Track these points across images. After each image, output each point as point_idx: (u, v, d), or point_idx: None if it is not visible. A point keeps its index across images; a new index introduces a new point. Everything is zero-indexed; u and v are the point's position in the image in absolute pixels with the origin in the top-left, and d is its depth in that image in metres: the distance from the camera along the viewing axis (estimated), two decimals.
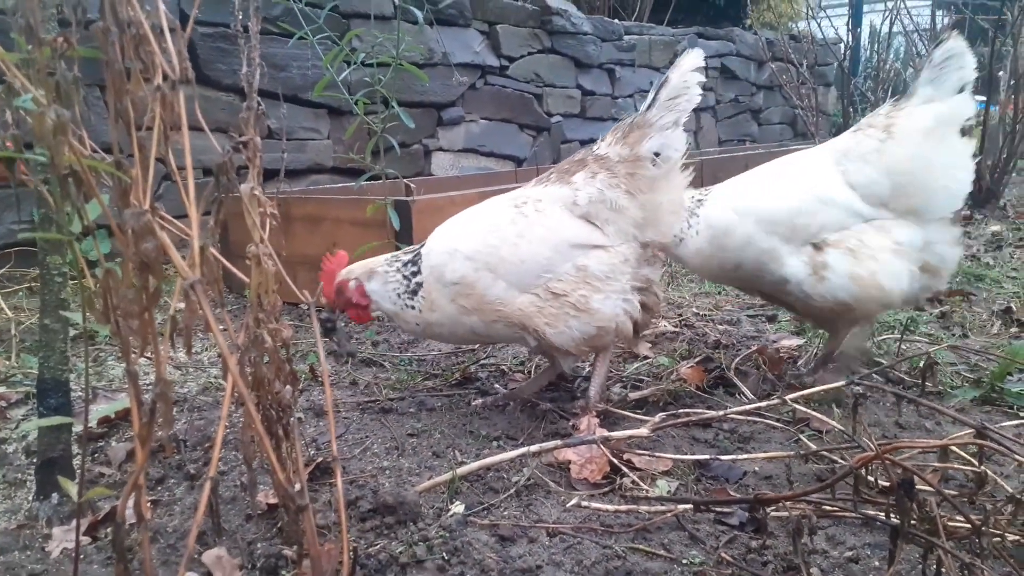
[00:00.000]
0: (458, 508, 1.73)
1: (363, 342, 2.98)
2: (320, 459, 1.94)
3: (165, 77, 1.27)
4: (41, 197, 1.67)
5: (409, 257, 2.27)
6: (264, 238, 1.47)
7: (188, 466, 2.00)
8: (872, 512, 1.42)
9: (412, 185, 3.58)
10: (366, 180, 3.51)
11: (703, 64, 2.17)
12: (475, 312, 2.15)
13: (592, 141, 7.95)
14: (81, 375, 2.53)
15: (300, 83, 5.18)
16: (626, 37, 7.88)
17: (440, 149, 6.35)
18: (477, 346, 2.92)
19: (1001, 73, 8.03)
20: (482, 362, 2.76)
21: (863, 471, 1.37)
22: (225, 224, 1.49)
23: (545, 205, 2.18)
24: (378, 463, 1.99)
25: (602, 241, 2.13)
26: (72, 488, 1.28)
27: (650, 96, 2.21)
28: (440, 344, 2.97)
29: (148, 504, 1.86)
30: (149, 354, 2.18)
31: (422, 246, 2.27)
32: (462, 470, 1.80)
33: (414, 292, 2.21)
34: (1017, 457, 1.55)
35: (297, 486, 1.34)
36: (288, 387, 1.61)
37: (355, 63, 3.12)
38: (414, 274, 2.22)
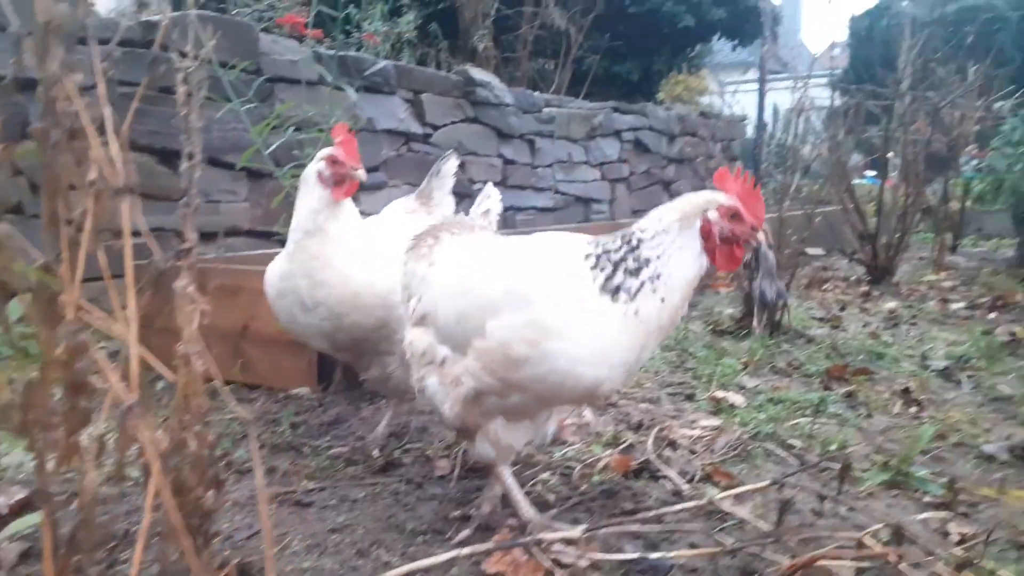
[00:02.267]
0: None
1: (280, 423, 2.87)
2: (237, 559, 1.83)
3: (101, 176, 1.23)
4: None
5: None
6: (194, 336, 1.42)
7: (89, 569, 1.85)
8: None
9: None
10: None
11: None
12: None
13: (513, 209, 8.07)
14: None
15: (219, 145, 5.08)
16: (546, 109, 8.11)
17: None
18: (409, 428, 2.87)
19: (891, 154, 8.68)
20: (407, 447, 2.70)
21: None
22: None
23: None
24: (298, 563, 1.90)
25: None
26: None
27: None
28: (362, 427, 2.89)
29: None
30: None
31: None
32: (389, 574, 1.74)
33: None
34: (932, 553, 1.63)
35: None
36: (212, 492, 1.54)
37: (283, 136, 3.10)
38: None
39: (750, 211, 1.80)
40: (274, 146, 3.18)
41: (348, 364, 2.69)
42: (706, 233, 1.80)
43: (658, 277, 1.76)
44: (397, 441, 2.74)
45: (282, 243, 3.32)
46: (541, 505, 2.22)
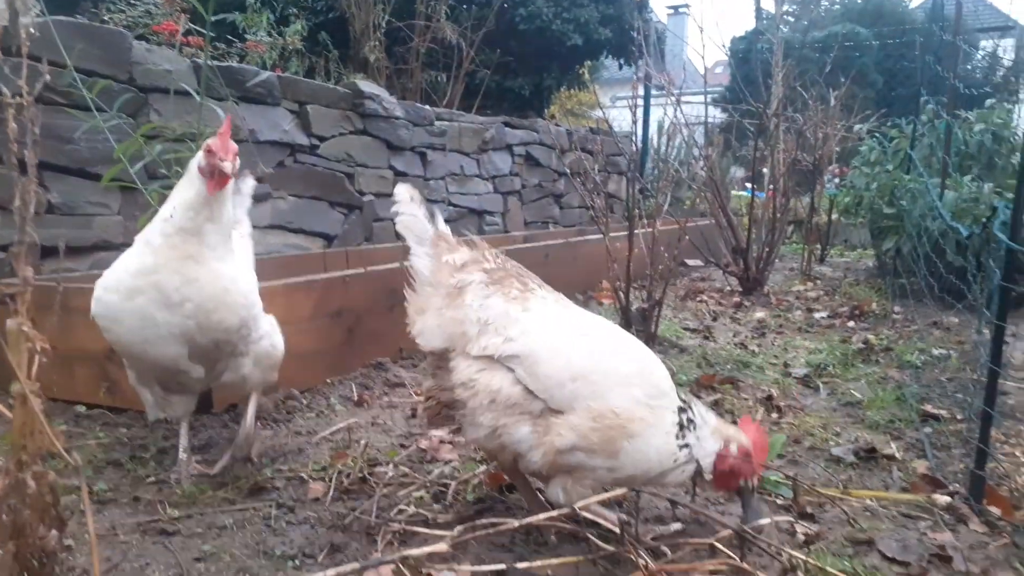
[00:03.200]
0: None
1: (147, 449, 2.77)
2: None
3: None
4: None
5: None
6: (31, 375, 1.38)
7: None
8: None
9: None
10: None
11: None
12: None
13: None
14: None
15: (88, 156, 4.84)
16: (437, 123, 8.15)
17: None
18: (284, 450, 2.84)
19: (764, 170, 9.19)
20: (279, 468, 2.66)
21: None
22: None
23: None
24: None
25: None
26: None
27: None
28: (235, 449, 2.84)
29: None
30: None
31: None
32: None
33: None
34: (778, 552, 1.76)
35: None
36: (54, 532, 1.50)
37: (152, 153, 3.00)
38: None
39: (759, 455, 2.21)
40: (143, 161, 3.06)
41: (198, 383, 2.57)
42: (722, 458, 2.16)
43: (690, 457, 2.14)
44: (271, 463, 2.71)
45: None
46: (419, 523, 2.26)
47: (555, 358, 2.12)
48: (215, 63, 5.84)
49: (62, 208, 4.76)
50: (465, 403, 2.16)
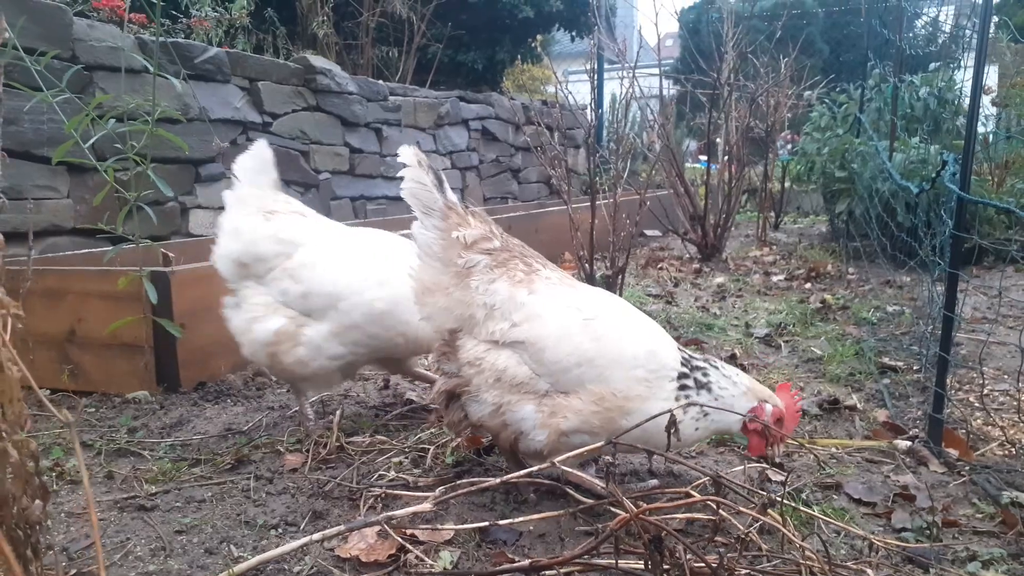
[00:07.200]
0: None
1: (117, 429, 2.73)
2: (74, 571, 1.75)
3: None
4: None
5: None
6: (7, 342, 1.35)
7: None
8: (633, 565, 1.57)
9: (171, 254, 3.37)
10: (117, 247, 3.23)
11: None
12: None
13: (364, 198, 7.91)
14: None
15: (33, 138, 4.69)
16: (391, 98, 8.06)
17: (199, 207, 6.03)
18: (248, 426, 2.81)
19: (718, 140, 9.30)
20: (255, 443, 2.64)
21: (624, 529, 1.52)
22: None
23: None
24: (142, 568, 1.84)
25: None
26: None
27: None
28: (208, 426, 2.81)
29: None
30: None
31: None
32: (238, 568, 1.72)
33: None
34: (744, 498, 1.82)
35: None
36: (38, 502, 1.47)
37: (105, 127, 2.91)
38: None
39: (789, 424, 2.23)
40: (95, 138, 2.96)
41: None
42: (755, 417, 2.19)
43: (705, 415, 2.15)
44: (246, 438, 2.69)
45: (111, 240, 3.08)
46: (400, 487, 2.27)
47: (560, 344, 2.09)
48: (161, 39, 5.68)
49: (8, 192, 4.60)
50: (470, 381, 2.14)
